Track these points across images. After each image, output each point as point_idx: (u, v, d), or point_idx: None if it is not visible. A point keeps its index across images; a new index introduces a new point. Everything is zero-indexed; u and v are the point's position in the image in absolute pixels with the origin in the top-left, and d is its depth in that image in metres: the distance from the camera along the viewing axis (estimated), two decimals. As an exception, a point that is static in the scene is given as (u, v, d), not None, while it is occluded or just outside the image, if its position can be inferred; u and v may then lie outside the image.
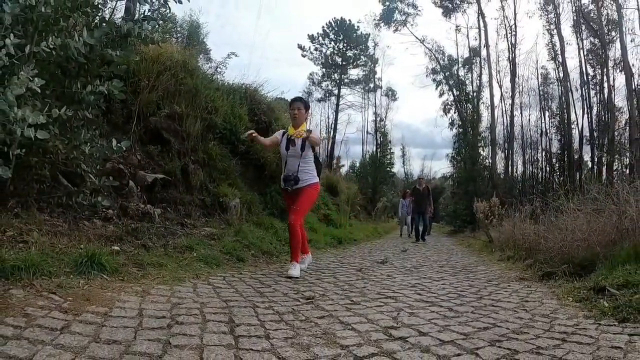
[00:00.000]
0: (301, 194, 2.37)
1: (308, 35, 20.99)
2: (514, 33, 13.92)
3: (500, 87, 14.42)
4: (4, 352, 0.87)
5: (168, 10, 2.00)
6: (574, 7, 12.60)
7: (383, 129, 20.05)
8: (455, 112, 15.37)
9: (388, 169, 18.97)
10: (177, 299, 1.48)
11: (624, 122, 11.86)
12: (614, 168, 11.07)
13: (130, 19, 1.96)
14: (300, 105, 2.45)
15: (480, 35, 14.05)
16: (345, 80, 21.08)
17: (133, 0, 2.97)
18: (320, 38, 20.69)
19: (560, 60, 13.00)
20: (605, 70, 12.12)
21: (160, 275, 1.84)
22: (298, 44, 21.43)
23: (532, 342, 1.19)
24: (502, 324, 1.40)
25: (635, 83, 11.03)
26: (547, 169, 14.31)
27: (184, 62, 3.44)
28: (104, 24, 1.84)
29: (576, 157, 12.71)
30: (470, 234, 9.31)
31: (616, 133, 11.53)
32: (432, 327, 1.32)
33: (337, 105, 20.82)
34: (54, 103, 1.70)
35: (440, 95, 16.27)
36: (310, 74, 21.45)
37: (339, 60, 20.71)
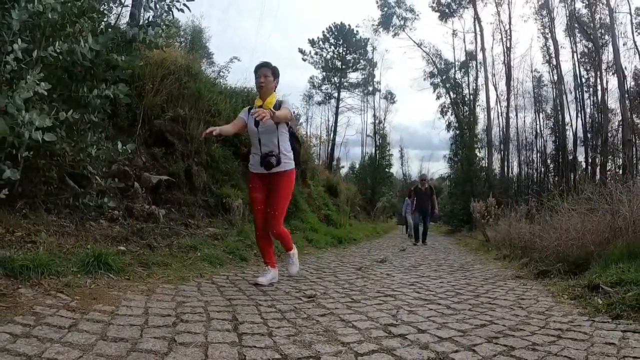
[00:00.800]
0: (277, 188, 1.91)
1: (308, 39, 21.32)
2: (509, 37, 14.17)
3: (496, 89, 14.65)
4: (14, 349, 0.89)
5: (171, 16, 2.05)
6: (567, 12, 12.83)
7: (382, 131, 20.27)
8: (452, 115, 15.55)
9: (386, 169, 19.11)
10: (182, 297, 1.50)
11: (616, 123, 12.08)
12: (608, 168, 11.26)
13: (135, 24, 2.00)
14: (266, 71, 1.96)
15: (476, 39, 14.30)
16: (345, 83, 21.32)
17: (138, 6, 3.01)
18: (320, 42, 20.96)
19: (554, 63, 13.23)
20: (598, 72, 12.33)
21: (165, 274, 1.87)
22: (299, 48, 21.66)
23: (528, 338, 1.21)
24: (499, 321, 1.42)
25: (628, 85, 11.24)
26: (542, 169, 14.53)
27: (188, 66, 3.50)
28: (110, 30, 1.88)
29: (570, 158, 12.89)
30: (467, 233, 9.37)
31: (609, 134, 11.72)
32: (430, 325, 1.34)
33: (337, 108, 21.02)
34: (61, 106, 1.73)
35: (438, 98, 16.47)
36: (311, 78, 21.76)
37: (338, 64, 20.96)
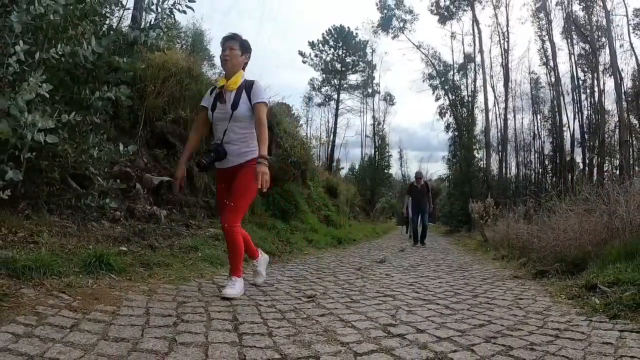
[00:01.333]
0: (237, 181, 1.62)
1: (308, 42, 21.48)
2: (506, 39, 14.29)
3: (494, 91, 14.74)
4: (16, 349, 0.89)
5: (173, 19, 2.06)
6: (564, 14, 12.95)
7: (381, 133, 20.39)
8: (450, 116, 15.63)
9: (385, 170, 19.21)
10: (183, 297, 1.51)
11: (613, 124, 12.18)
12: (605, 169, 11.34)
13: (137, 27, 2.02)
14: (232, 43, 1.64)
15: (474, 41, 14.41)
16: (345, 85, 21.46)
17: (139, 9, 3.03)
18: (320, 45, 21.10)
19: (551, 65, 13.33)
20: (595, 74, 12.42)
21: (166, 274, 1.88)
22: (299, 51, 21.86)
23: (526, 338, 1.22)
24: (497, 321, 1.43)
25: (625, 87, 11.35)
26: (540, 170, 14.62)
27: (189, 69, 3.53)
28: (112, 32, 1.90)
29: (568, 158, 12.97)
30: (465, 233, 9.39)
31: (606, 135, 11.81)
32: (429, 325, 1.35)
33: (337, 109, 21.15)
34: (63, 108, 1.74)
35: (437, 99, 16.56)
36: (311, 80, 21.92)
37: (338, 66, 21.09)
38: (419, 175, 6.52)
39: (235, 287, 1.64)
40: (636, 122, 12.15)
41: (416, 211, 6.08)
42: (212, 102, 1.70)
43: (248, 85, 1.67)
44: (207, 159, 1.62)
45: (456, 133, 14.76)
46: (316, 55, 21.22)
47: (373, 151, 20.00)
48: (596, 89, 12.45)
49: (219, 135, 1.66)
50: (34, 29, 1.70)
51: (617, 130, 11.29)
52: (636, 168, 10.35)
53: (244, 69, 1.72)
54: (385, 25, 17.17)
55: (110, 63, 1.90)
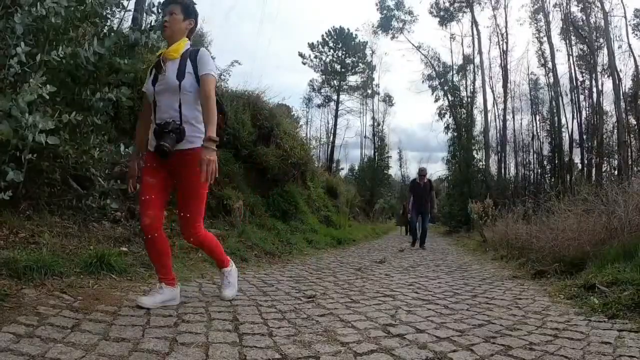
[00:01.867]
0: (185, 178, 1.38)
1: (308, 43, 21.60)
2: (505, 40, 14.37)
3: (493, 92, 14.80)
4: (17, 349, 0.90)
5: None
6: (562, 15, 13.03)
7: (380, 134, 20.48)
8: (450, 117, 15.69)
9: (385, 171, 19.29)
10: (183, 298, 1.51)
11: (612, 125, 12.25)
12: (603, 170, 11.42)
13: (138, 28, 2.02)
14: (174, 8, 1.41)
15: (473, 42, 14.49)
16: (344, 86, 21.57)
17: (140, 10, 3.03)
18: (320, 46, 21.23)
19: (550, 66, 13.40)
20: (594, 75, 12.50)
21: (167, 275, 1.88)
22: (299, 52, 22.07)
23: (525, 338, 1.22)
24: (496, 321, 1.43)
25: (623, 88, 11.41)
26: (539, 171, 14.69)
27: (189, 70, 3.51)
28: (112, 34, 1.91)
29: (566, 159, 13.04)
30: (465, 234, 9.38)
31: (605, 136, 11.87)
32: (428, 325, 1.35)
33: (337, 110, 21.27)
34: (64, 109, 1.75)
35: (436, 100, 16.61)
36: (311, 81, 22.09)
37: (338, 67, 21.21)
38: (422, 172, 5.77)
39: (231, 283, 1.59)
40: (634, 122, 12.21)
41: (417, 211, 5.50)
42: (153, 75, 1.42)
43: (193, 54, 1.41)
44: (170, 142, 1.30)
45: (455, 134, 14.82)
46: (316, 57, 21.37)
47: (372, 152, 20.12)
48: (594, 89, 12.54)
49: (174, 111, 1.36)
50: (35, 30, 1.71)
51: (616, 130, 11.37)
52: (635, 168, 10.40)
53: (189, 37, 1.47)
54: (384, 25, 17.26)
55: (111, 64, 1.91)
